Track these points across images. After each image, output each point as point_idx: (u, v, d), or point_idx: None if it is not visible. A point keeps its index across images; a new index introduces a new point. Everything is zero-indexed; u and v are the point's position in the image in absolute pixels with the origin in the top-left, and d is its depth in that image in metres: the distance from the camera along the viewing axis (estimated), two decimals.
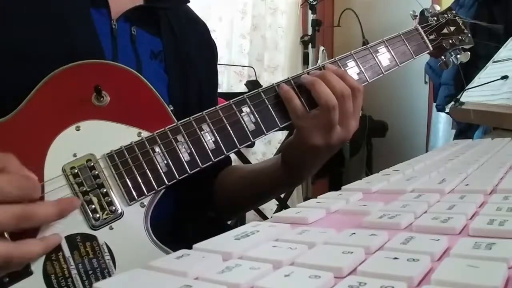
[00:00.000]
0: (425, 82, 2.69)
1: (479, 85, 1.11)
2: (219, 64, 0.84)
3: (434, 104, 2.06)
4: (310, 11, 2.60)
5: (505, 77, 1.03)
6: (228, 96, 0.63)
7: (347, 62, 0.66)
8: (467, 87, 1.14)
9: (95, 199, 0.52)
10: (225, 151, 0.57)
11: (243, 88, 2.32)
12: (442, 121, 2.37)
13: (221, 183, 0.73)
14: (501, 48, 1.20)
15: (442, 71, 1.84)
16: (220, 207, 0.74)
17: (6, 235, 0.45)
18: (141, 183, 0.53)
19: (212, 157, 0.56)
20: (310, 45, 2.69)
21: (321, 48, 2.64)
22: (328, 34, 3.17)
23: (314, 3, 2.50)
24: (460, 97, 1.11)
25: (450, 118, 1.91)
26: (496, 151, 0.65)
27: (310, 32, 2.67)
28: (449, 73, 1.78)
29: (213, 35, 0.83)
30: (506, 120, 0.95)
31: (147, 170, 0.54)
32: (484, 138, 0.95)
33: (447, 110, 1.24)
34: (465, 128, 1.71)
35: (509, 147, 0.71)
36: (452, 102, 1.13)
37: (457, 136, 1.78)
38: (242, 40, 2.61)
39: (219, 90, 0.83)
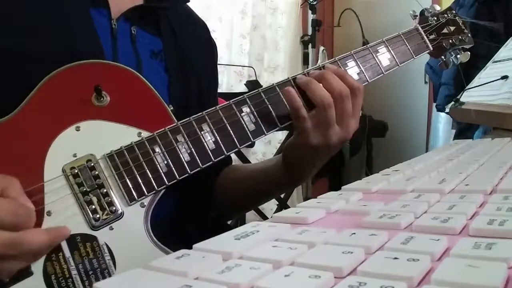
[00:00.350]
0: (425, 82, 2.69)
1: (479, 85, 1.11)
2: (219, 64, 0.84)
3: (434, 104, 2.06)
4: (310, 11, 2.60)
5: (505, 77, 1.03)
6: (228, 96, 0.63)
7: (347, 62, 0.66)
8: (467, 87, 1.14)
9: (95, 200, 0.52)
10: (225, 151, 0.57)
11: (243, 88, 2.32)
12: (442, 121, 2.37)
13: (222, 182, 0.73)
14: (501, 48, 1.20)
15: (442, 71, 1.84)
16: (221, 206, 0.73)
17: None
18: (141, 183, 0.53)
19: (212, 157, 0.56)
20: (310, 45, 2.69)
21: (321, 48, 2.64)
22: (328, 34, 3.17)
23: (314, 3, 2.50)
24: (460, 97, 1.11)
25: (450, 118, 1.91)
26: (496, 151, 0.65)
27: (310, 32, 2.67)
28: (449, 73, 1.78)
29: (213, 35, 0.83)
30: (506, 120, 0.95)
31: (147, 170, 0.54)
32: (484, 138, 0.95)
33: (447, 110, 1.24)
34: (465, 128, 1.71)
35: (509, 147, 0.71)
36: (452, 102, 1.13)
37: (457, 136, 1.78)
38: (242, 40, 2.61)
39: (219, 90, 0.83)
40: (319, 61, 2.53)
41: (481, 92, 1.09)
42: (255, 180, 0.71)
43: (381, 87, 2.59)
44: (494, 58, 1.18)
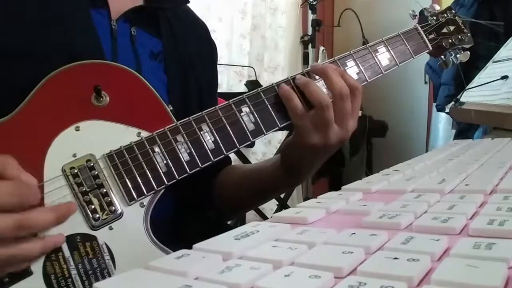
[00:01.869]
0: (425, 82, 2.69)
1: (479, 85, 1.11)
2: (219, 64, 0.84)
3: (434, 104, 2.06)
4: (310, 11, 2.61)
5: (505, 77, 1.03)
6: (228, 96, 0.63)
7: (346, 61, 0.66)
8: (467, 87, 1.14)
9: (94, 199, 0.52)
10: (224, 151, 0.57)
11: (243, 88, 2.32)
12: (442, 121, 2.37)
13: (221, 183, 0.73)
14: (501, 48, 1.20)
15: (442, 71, 1.84)
16: (220, 206, 0.73)
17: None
18: (141, 183, 0.53)
19: (212, 157, 0.56)
20: (310, 45, 2.69)
21: (321, 48, 2.64)
22: (328, 34, 3.17)
23: (314, 3, 2.50)
24: (460, 97, 1.11)
25: (450, 118, 1.91)
26: (496, 151, 0.65)
27: (310, 32, 2.67)
28: (449, 73, 1.78)
29: (213, 35, 0.83)
30: (506, 120, 0.95)
31: (147, 170, 0.54)
32: (484, 138, 0.95)
33: (447, 110, 1.24)
34: (465, 128, 1.71)
35: (509, 147, 0.71)
36: (452, 102, 1.13)
37: (457, 136, 1.78)
38: (242, 40, 2.61)
39: (219, 90, 0.83)
40: (319, 61, 2.53)
41: (481, 92, 1.08)
42: (255, 180, 0.71)
43: (381, 87, 2.58)
44: (494, 58, 1.18)
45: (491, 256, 0.23)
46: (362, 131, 2.57)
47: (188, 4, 0.78)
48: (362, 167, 2.67)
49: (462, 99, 1.10)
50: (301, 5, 2.81)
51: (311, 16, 2.63)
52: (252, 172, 0.74)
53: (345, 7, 2.70)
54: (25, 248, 0.46)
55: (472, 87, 1.13)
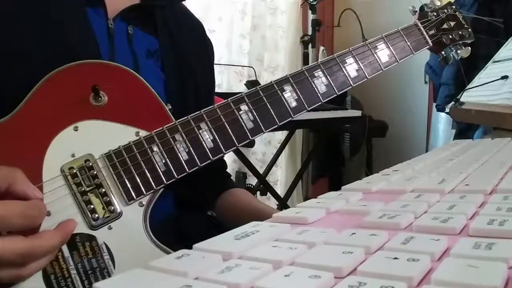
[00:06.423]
0: (425, 82, 2.68)
1: (479, 85, 1.11)
2: (219, 64, 0.84)
3: (434, 104, 2.06)
4: (310, 11, 2.60)
5: (505, 77, 1.03)
6: (227, 96, 0.62)
7: (345, 59, 0.66)
8: (467, 87, 1.14)
9: (93, 199, 0.52)
10: (223, 149, 0.57)
11: (243, 88, 2.31)
12: (442, 121, 2.36)
13: (222, 211, 0.74)
14: (501, 48, 1.20)
15: (442, 71, 1.84)
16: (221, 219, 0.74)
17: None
18: (140, 183, 0.53)
19: (211, 156, 0.56)
20: (310, 45, 2.69)
21: (321, 48, 2.64)
22: (328, 34, 3.17)
23: (314, 3, 2.50)
24: (460, 97, 1.11)
25: (450, 118, 1.91)
26: (496, 151, 0.65)
27: (310, 32, 2.67)
28: (449, 73, 1.78)
29: (213, 35, 0.83)
30: (506, 120, 0.94)
31: (146, 170, 0.54)
32: (484, 138, 0.94)
33: (447, 110, 1.24)
34: (465, 128, 1.71)
35: (509, 147, 0.71)
36: (452, 102, 1.13)
37: (457, 136, 1.78)
38: (242, 40, 2.60)
39: (219, 90, 0.83)
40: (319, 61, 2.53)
41: (481, 92, 1.08)
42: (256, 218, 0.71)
43: (381, 87, 2.58)
44: (494, 58, 1.18)
45: (491, 256, 0.23)
46: (362, 131, 2.57)
47: (187, 4, 0.77)
48: (362, 167, 2.67)
49: (462, 99, 1.10)
50: (301, 5, 2.80)
51: (311, 16, 2.63)
52: (253, 213, 0.71)
53: (345, 7, 2.70)
54: (41, 242, 0.45)
55: (472, 87, 1.13)
